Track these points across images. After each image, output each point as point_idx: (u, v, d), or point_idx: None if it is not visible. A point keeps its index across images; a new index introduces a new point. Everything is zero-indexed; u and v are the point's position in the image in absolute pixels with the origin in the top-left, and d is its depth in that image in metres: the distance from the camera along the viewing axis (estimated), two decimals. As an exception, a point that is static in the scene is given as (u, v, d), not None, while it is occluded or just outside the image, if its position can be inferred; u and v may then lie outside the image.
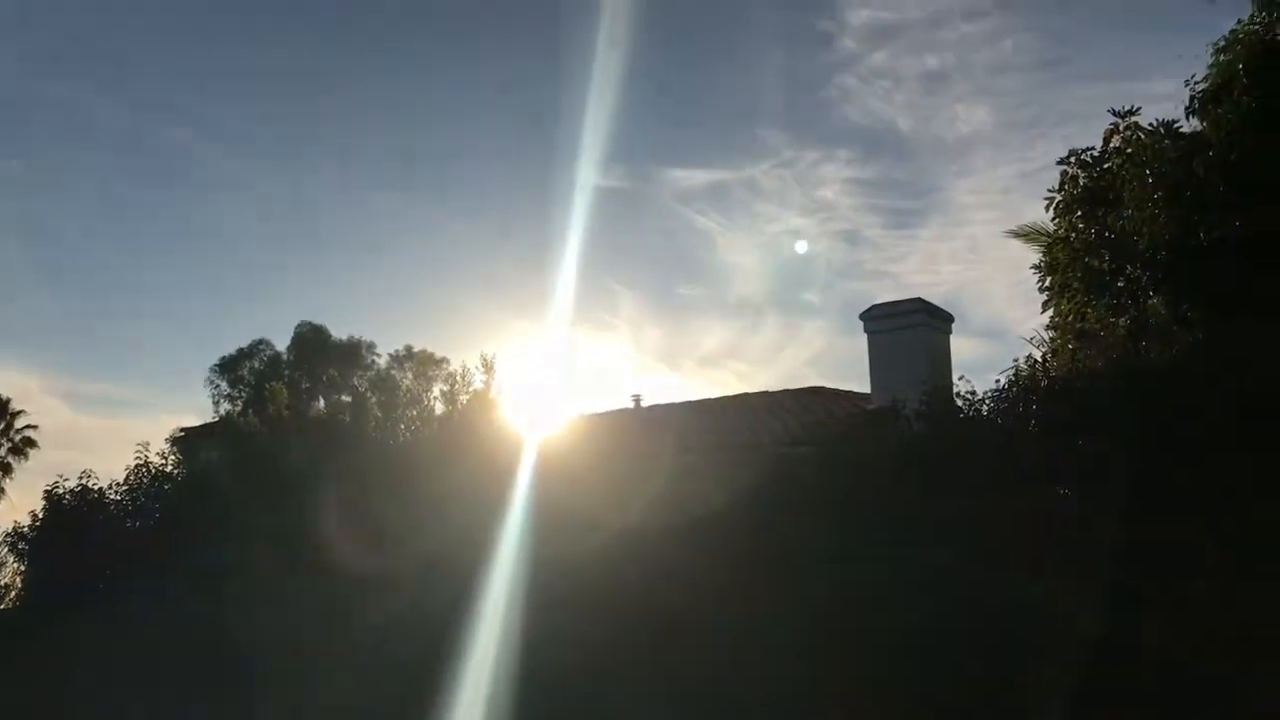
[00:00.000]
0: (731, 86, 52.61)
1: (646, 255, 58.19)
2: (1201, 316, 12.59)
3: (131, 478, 19.46)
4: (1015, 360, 13.40)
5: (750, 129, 54.38)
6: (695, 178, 54.00)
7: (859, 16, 47.60)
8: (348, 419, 22.64)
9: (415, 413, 21.26)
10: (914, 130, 52.47)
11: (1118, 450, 10.72)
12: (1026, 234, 16.83)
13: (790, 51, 49.23)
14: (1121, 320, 13.81)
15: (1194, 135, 13.78)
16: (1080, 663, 10.18)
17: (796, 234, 55.60)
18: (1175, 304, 12.92)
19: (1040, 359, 14.14)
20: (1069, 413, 11.73)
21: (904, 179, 56.39)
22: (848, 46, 49.15)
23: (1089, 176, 14.95)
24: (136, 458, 19.51)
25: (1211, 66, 13.62)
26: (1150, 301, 13.42)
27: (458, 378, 19.05)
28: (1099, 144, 14.98)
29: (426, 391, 20.38)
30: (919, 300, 17.60)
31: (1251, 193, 12.30)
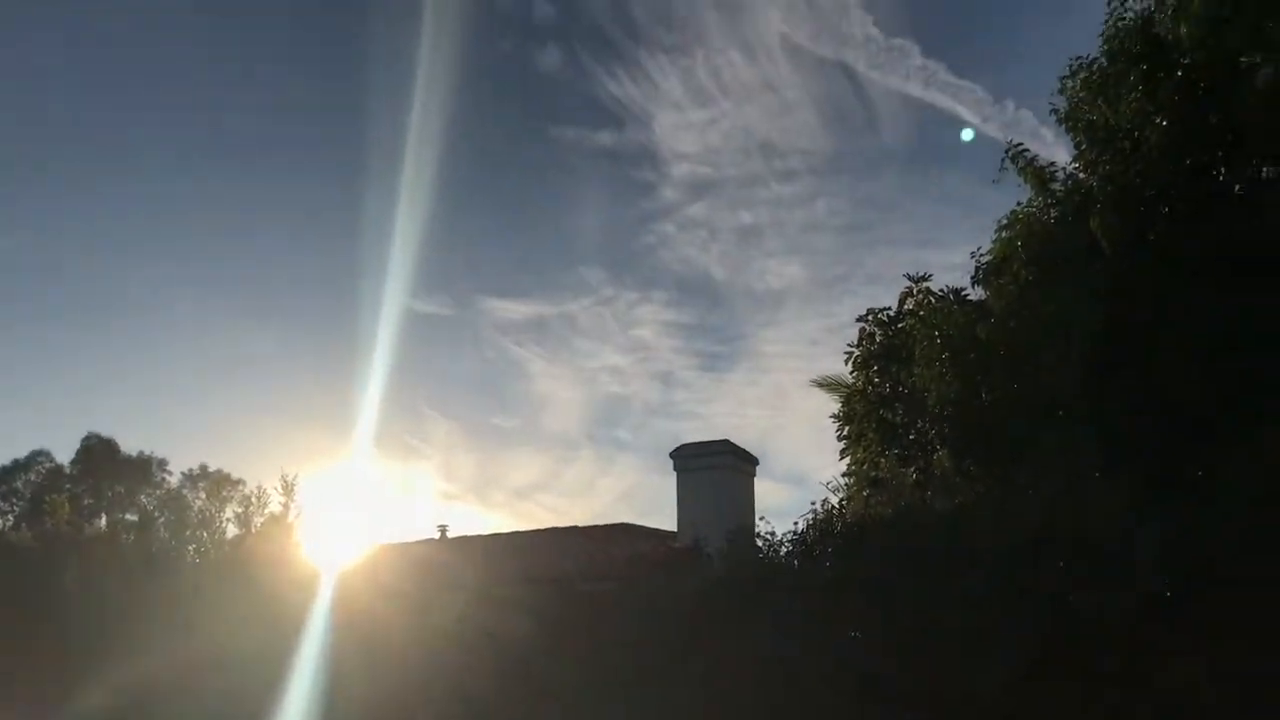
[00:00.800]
0: (556, 224, 53.81)
1: (462, 383, 57.79)
2: (982, 471, 13.41)
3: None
4: (813, 504, 13.93)
5: (572, 266, 55.58)
6: (516, 309, 54.48)
7: (680, 169, 49.86)
8: (131, 538, 21.38)
9: (206, 535, 20.26)
10: (728, 280, 54.78)
11: (902, 595, 11.21)
12: (828, 384, 17.61)
13: (613, 196, 50.96)
14: (910, 471, 14.56)
15: (979, 303, 14.88)
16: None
17: (614, 371, 56.44)
18: (959, 458, 13.72)
19: (836, 504, 14.77)
20: (859, 558, 12.23)
21: (717, 325, 58.43)
22: (668, 196, 51.28)
23: (885, 334, 15.91)
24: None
25: (995, 241, 14.81)
26: (937, 454, 14.21)
27: (253, 499, 18.37)
28: (896, 305, 16.00)
29: (220, 512, 19.49)
30: (726, 442, 18.10)
31: (1026, 358, 13.31)
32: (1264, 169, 13.09)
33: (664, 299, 55.51)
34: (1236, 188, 13.24)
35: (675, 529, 17.94)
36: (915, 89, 41.84)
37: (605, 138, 48.55)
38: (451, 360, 55.07)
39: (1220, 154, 13.24)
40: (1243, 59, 12.77)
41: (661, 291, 55.85)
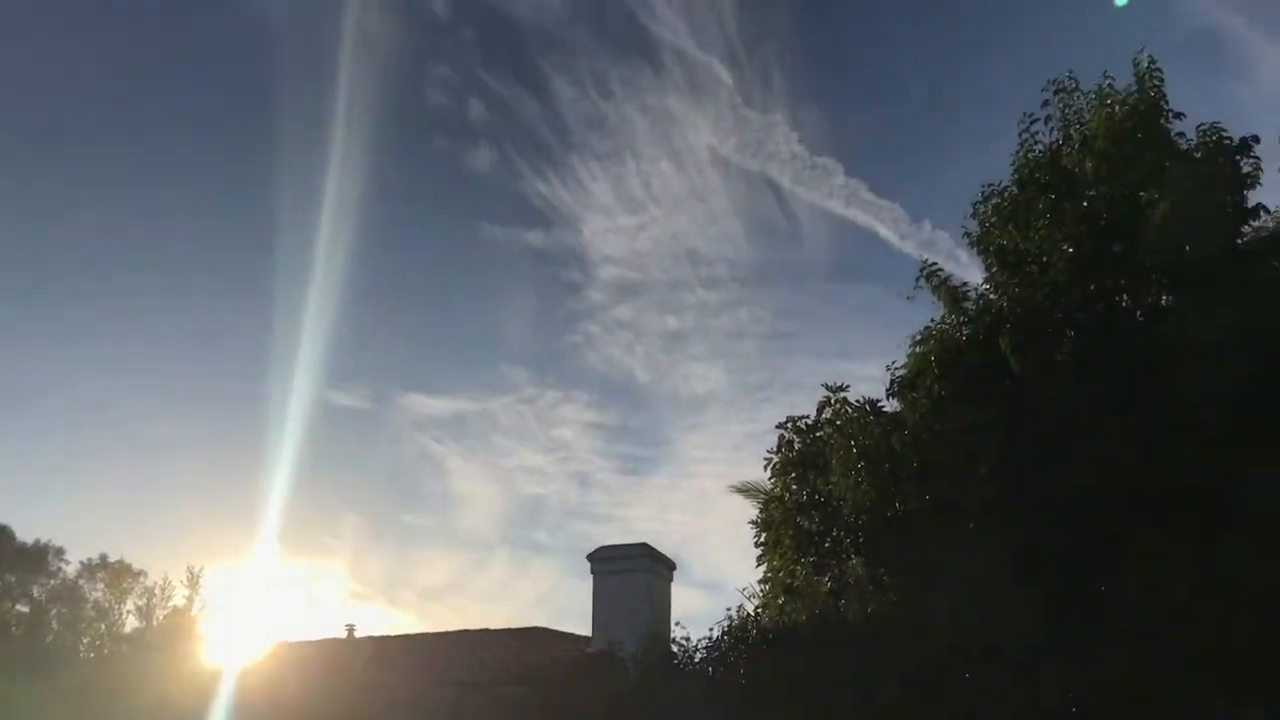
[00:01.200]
0: (481, 321, 53.87)
1: (376, 478, 56.62)
2: (895, 580, 13.59)
3: None
4: (729, 610, 13.96)
5: (495, 363, 55.49)
6: (436, 405, 54.03)
7: (607, 272, 50.61)
8: (21, 630, 20.52)
9: (104, 627, 19.54)
10: (652, 383, 55.19)
11: (815, 702, 11.25)
12: (747, 490, 17.71)
13: (540, 295, 51.31)
14: (825, 579, 14.69)
15: (894, 415, 15.23)
16: None
17: (533, 471, 55.98)
18: (872, 567, 13.91)
19: (752, 611, 14.81)
20: (773, 666, 12.26)
21: (640, 427, 58.65)
22: (595, 298, 51.88)
23: (803, 442, 16.16)
24: None
25: (909, 356, 15.22)
26: (851, 562, 14.38)
27: (156, 592, 17.82)
28: (814, 413, 16.29)
29: (120, 604, 18.80)
30: (644, 545, 18.07)
31: (937, 471, 13.63)
32: (1164, 297, 13.78)
33: (586, 400, 55.60)
34: (1138, 314, 13.89)
35: (590, 633, 17.76)
36: (837, 206, 43.30)
37: (534, 238, 49.20)
38: (366, 455, 54.09)
39: (1123, 281, 13.90)
40: (1142, 194, 13.53)
41: (584, 392, 55.97)
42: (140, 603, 18.22)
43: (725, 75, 45.06)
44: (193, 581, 17.49)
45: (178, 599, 17.53)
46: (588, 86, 46.03)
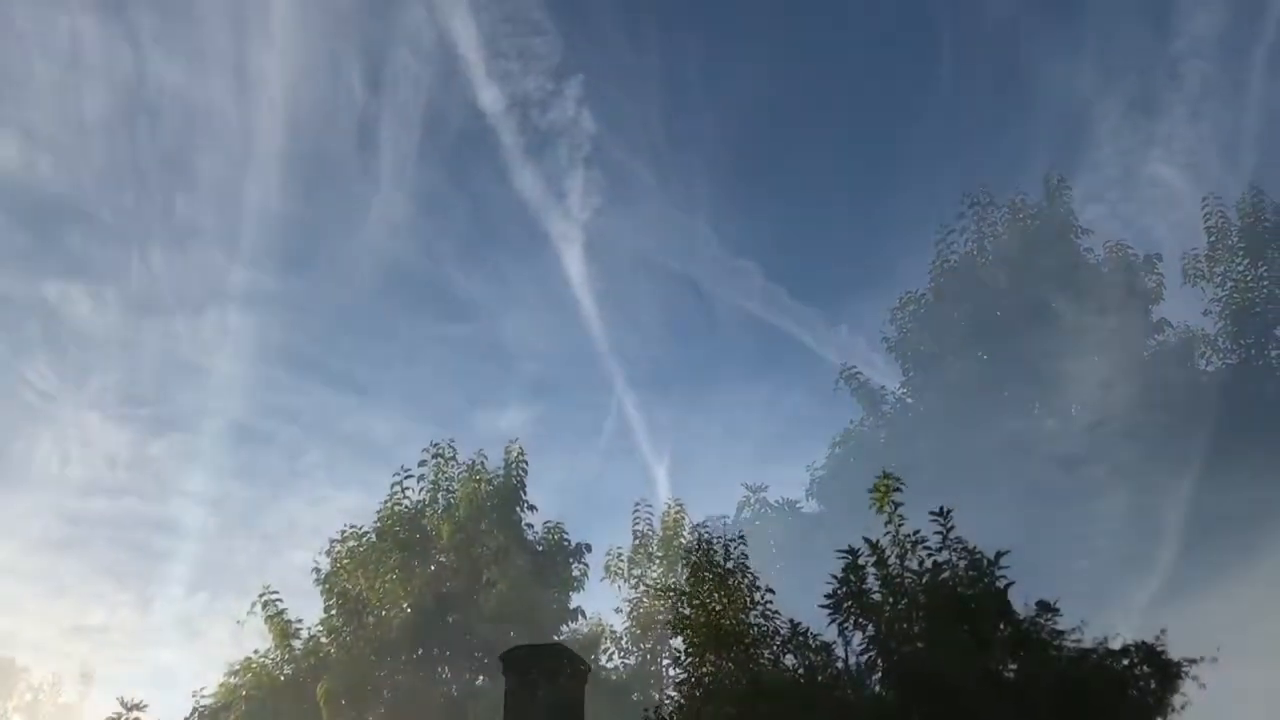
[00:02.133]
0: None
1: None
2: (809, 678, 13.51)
3: None
4: (646, 711, 13.77)
5: (407, 457, 55.14)
6: (343, 500, 53.31)
7: (527, 368, 50.90)
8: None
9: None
10: (568, 479, 55.09)
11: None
12: (663, 591, 17.61)
13: (458, 388, 51.17)
14: (742, 678, 14.54)
15: (814, 515, 15.36)
16: None
17: (441, 569, 54.82)
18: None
19: (667, 715, 14.57)
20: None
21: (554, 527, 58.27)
22: (514, 393, 52.06)
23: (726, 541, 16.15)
24: None
25: (829, 457, 15.47)
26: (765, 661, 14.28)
27: (44, 689, 16.95)
28: (734, 512, 16.37)
29: (4, 701, 17.68)
30: (560, 646, 17.81)
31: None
32: (1073, 407, 14.25)
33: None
34: (1050, 422, 14.33)
35: (501, 735, 17.27)
36: (757, 308, 44.37)
37: (455, 330, 49.44)
38: (267, 551, 52.84)
39: (1036, 389, 14.37)
40: (1053, 305, 14.09)
41: (497, 487, 55.44)
42: (26, 699, 17.18)
43: (650, 177, 46.46)
44: (86, 679, 16.69)
45: (68, 697, 16.65)
46: (513, 183, 46.98)
